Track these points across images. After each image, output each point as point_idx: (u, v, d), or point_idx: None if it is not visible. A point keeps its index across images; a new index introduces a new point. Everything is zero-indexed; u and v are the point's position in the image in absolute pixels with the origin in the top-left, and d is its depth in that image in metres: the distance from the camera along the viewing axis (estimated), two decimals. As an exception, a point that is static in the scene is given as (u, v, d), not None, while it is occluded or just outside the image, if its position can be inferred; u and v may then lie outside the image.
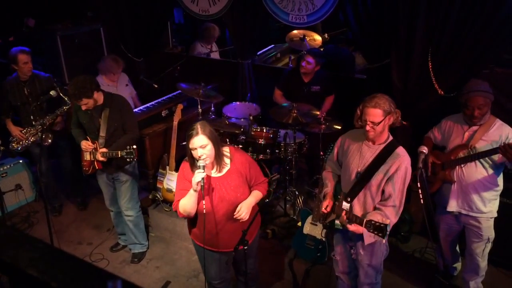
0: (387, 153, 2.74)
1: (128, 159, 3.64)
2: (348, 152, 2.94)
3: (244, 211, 2.78)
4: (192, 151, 2.69)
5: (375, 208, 2.81)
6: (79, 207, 5.21)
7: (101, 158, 3.71)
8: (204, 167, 2.66)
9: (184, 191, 2.78)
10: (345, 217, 2.73)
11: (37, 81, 4.53)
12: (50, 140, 4.55)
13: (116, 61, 4.81)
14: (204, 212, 2.73)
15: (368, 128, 2.72)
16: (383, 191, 2.79)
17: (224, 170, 2.83)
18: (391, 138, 2.84)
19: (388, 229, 2.54)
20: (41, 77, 4.58)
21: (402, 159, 2.72)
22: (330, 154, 3.21)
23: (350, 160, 2.91)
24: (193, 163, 2.73)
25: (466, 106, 3.14)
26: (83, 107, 3.64)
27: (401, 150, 2.76)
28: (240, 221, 2.80)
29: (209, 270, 3.12)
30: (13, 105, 4.55)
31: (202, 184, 2.61)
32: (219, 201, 2.81)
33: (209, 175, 2.81)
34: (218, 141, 2.74)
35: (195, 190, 2.68)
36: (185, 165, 2.85)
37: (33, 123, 4.51)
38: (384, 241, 2.92)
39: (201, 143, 2.65)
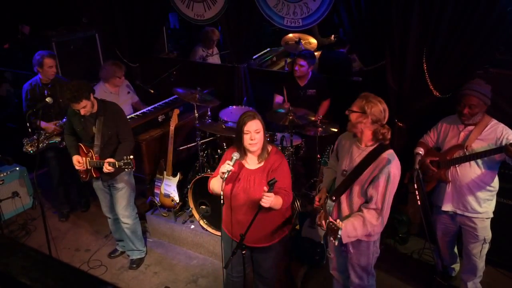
0: (374, 156, 2.72)
1: (126, 169, 3.63)
2: (343, 151, 2.97)
3: (269, 198, 2.65)
4: (245, 135, 2.78)
5: (359, 209, 2.82)
6: (82, 209, 5.25)
7: (109, 168, 3.62)
8: (236, 160, 2.77)
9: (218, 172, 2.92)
10: (322, 216, 2.76)
11: (58, 85, 4.58)
12: (65, 143, 4.56)
13: (117, 65, 4.83)
14: (221, 198, 2.83)
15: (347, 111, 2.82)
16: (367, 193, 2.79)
17: (258, 165, 2.90)
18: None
19: (340, 233, 2.58)
20: (62, 81, 4.65)
21: (386, 163, 2.67)
22: (333, 152, 3.23)
23: (342, 158, 2.94)
24: (238, 147, 2.85)
25: (459, 102, 3.17)
26: (82, 111, 3.59)
27: (388, 154, 2.71)
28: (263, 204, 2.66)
29: (226, 258, 3.19)
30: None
31: (225, 176, 2.72)
32: (240, 191, 2.88)
33: (243, 165, 2.91)
34: (265, 133, 2.86)
35: (221, 177, 2.77)
36: (229, 150, 3.00)
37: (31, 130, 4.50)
38: (374, 241, 2.94)
39: (256, 128, 2.77)
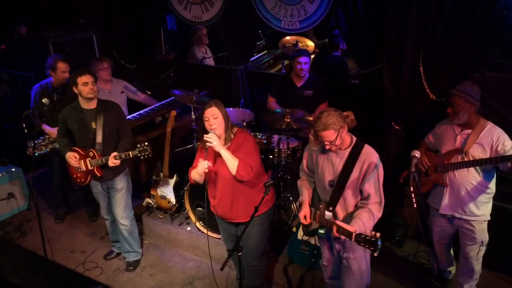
0: (355, 155, 2.81)
1: (142, 157, 3.64)
2: (319, 162, 2.99)
3: (213, 138, 2.97)
4: (205, 122, 3.05)
5: (357, 207, 2.87)
6: (91, 218, 5.13)
7: (115, 161, 3.63)
8: (213, 134, 3.01)
9: (197, 161, 3.20)
10: (335, 231, 2.74)
11: (68, 89, 4.50)
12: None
13: (98, 60, 4.86)
14: (206, 170, 3.07)
15: (328, 147, 2.80)
16: (361, 191, 2.86)
17: (225, 146, 3.11)
18: (354, 139, 2.89)
19: (379, 242, 2.54)
20: None
21: (370, 157, 2.79)
22: (301, 164, 3.24)
23: (322, 170, 2.96)
24: (204, 133, 3.08)
25: (448, 101, 3.23)
26: (89, 90, 3.61)
27: (367, 149, 2.83)
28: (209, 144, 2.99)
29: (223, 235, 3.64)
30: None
31: (208, 146, 2.98)
32: (215, 171, 3.16)
33: (214, 148, 3.07)
34: (228, 118, 3.12)
35: (205, 148, 3.03)
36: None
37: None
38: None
39: (213, 113, 3.03)
